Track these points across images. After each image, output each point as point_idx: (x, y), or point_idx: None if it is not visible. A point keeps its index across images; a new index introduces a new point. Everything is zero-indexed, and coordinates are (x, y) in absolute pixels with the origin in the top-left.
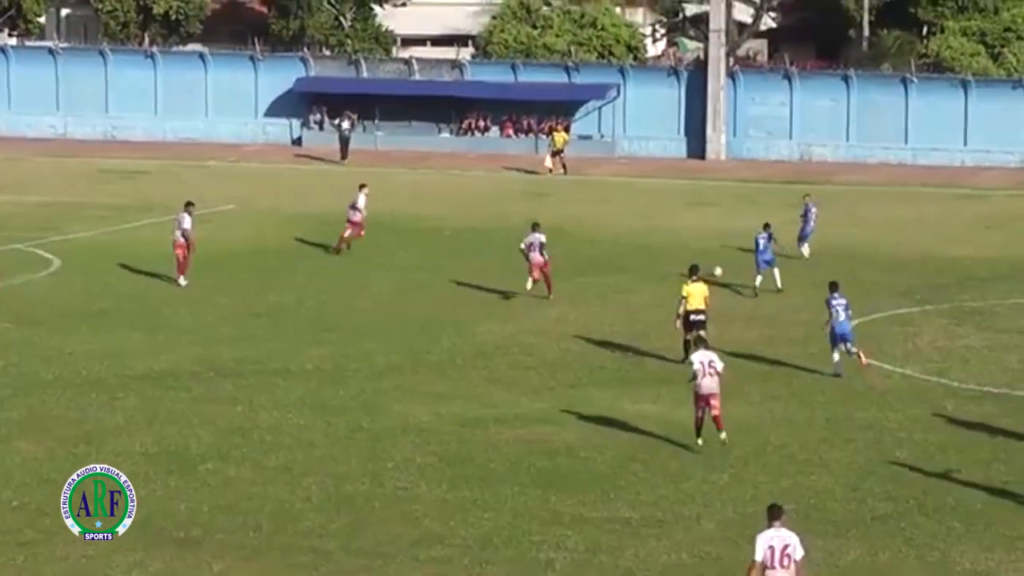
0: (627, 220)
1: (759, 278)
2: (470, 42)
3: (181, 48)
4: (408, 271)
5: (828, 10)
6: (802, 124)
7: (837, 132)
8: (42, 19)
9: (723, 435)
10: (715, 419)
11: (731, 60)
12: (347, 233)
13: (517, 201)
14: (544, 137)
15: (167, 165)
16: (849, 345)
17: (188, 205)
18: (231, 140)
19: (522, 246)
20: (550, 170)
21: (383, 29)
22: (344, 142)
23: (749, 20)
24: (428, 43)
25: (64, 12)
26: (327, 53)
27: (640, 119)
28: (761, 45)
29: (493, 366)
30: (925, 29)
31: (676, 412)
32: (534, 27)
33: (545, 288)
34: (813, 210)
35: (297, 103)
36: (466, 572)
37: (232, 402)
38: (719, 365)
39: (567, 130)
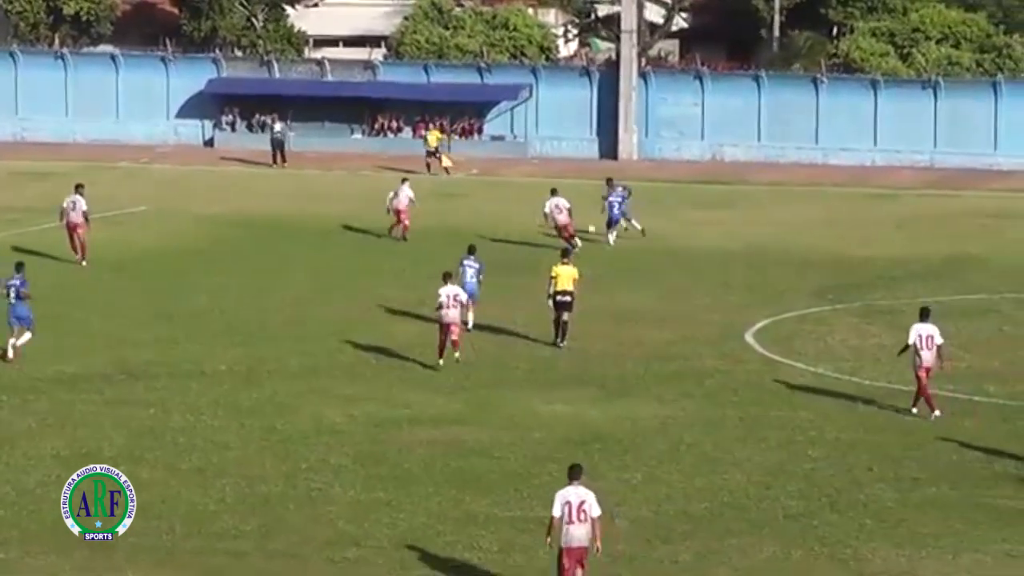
0: (539, 221)
1: (612, 235)
2: (382, 43)
3: (92, 49)
4: (322, 273)
5: (739, 11)
6: (713, 124)
7: (748, 132)
8: None
9: (457, 355)
10: (453, 343)
11: (643, 60)
12: (406, 222)
13: (428, 202)
14: (458, 138)
15: (78, 167)
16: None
17: (79, 187)
18: (142, 141)
19: (546, 210)
20: (446, 169)
21: (295, 30)
22: (278, 145)
23: (661, 21)
24: (340, 44)
25: None
26: (239, 54)
27: (552, 119)
28: (673, 46)
29: (407, 367)
30: (835, 30)
31: (589, 411)
32: (446, 28)
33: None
34: (618, 196)
35: (209, 104)
36: (381, 573)
37: (145, 405)
38: (463, 297)
39: (441, 130)
